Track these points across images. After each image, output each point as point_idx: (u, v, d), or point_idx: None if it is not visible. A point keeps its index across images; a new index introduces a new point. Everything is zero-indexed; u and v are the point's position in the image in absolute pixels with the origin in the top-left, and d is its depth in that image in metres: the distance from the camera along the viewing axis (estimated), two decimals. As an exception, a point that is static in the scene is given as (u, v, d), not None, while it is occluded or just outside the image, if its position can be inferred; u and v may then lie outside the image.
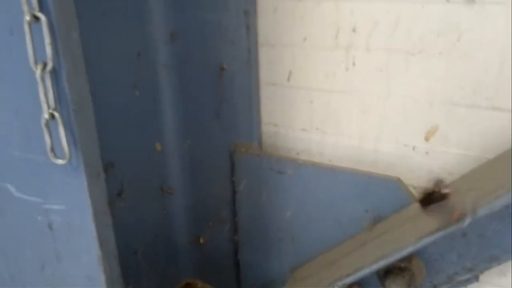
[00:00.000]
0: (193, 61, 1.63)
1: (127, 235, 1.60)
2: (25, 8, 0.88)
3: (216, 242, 1.88)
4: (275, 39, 1.61)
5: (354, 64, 1.52)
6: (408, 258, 1.33)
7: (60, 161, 1.00)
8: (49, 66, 0.93)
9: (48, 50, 0.92)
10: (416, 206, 1.43)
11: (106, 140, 1.45)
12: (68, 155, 0.99)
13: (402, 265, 1.33)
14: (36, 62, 0.93)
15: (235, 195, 1.74)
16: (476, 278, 1.34)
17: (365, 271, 1.29)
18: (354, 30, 1.48)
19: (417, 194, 1.51)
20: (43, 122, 0.97)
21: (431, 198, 1.37)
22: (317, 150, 1.69)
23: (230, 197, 1.77)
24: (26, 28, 0.90)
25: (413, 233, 1.28)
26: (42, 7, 0.89)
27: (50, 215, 1.13)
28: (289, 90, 1.66)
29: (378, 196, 1.48)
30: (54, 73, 0.96)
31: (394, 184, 1.46)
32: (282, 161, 1.63)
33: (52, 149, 1.00)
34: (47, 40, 0.91)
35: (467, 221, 1.17)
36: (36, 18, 0.90)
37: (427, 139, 1.48)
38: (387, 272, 1.34)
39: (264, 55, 1.65)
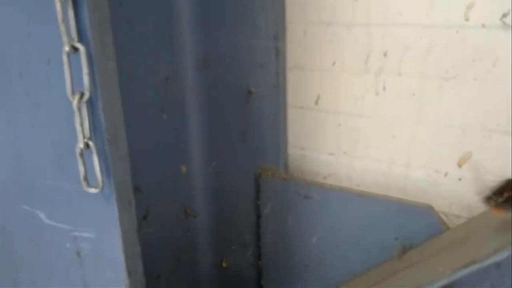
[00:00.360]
0: (221, 85, 1.62)
1: (151, 260, 1.58)
2: (64, 38, 0.89)
3: (239, 267, 1.85)
4: (303, 62, 1.60)
5: (384, 88, 1.50)
6: (442, 291, 1.28)
7: (93, 190, 0.99)
8: (86, 96, 0.92)
9: (86, 80, 0.91)
10: (448, 235, 1.38)
11: (134, 164, 1.45)
12: (101, 184, 0.99)
13: (436, 297, 1.28)
14: (73, 92, 0.93)
15: (259, 219, 1.72)
16: (513, 312, 1.29)
17: (399, 304, 1.25)
18: (385, 55, 1.46)
19: (448, 222, 1.47)
20: (78, 151, 0.97)
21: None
22: (345, 175, 1.66)
23: (254, 221, 1.75)
24: (64, 58, 0.90)
25: (448, 264, 1.24)
26: (81, 38, 0.89)
27: (79, 243, 1.12)
28: (316, 113, 1.64)
29: (408, 223, 1.44)
30: (90, 103, 0.95)
31: (425, 212, 1.42)
32: (309, 186, 1.60)
33: (86, 178, 0.99)
34: (85, 70, 0.90)
35: (505, 254, 1.12)
36: (75, 49, 0.90)
37: (460, 165, 1.44)
38: (421, 305, 1.29)
39: (292, 79, 1.64)
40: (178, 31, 1.47)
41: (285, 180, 1.64)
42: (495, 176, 1.40)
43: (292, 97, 1.65)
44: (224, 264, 1.87)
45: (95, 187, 0.99)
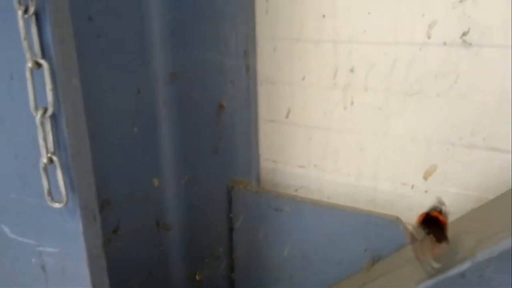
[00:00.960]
0: (193, 99, 1.64)
1: (121, 273, 1.57)
2: (27, 54, 0.89)
3: (212, 280, 1.84)
4: (274, 77, 1.63)
5: (352, 103, 1.53)
6: (408, 301, 1.31)
7: (57, 205, 0.99)
8: (50, 111, 0.93)
9: (49, 96, 0.92)
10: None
11: (104, 177, 1.45)
12: (65, 199, 0.99)
13: (402, 308, 1.30)
14: (36, 108, 0.93)
15: (232, 232, 1.73)
16: (477, 322, 1.32)
17: (365, 316, 1.27)
18: (352, 71, 1.50)
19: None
20: (41, 166, 0.97)
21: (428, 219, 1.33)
22: (316, 187, 1.68)
23: (227, 234, 1.75)
24: (27, 74, 0.91)
25: (413, 276, 1.26)
26: (45, 54, 0.90)
27: (44, 258, 1.12)
28: (287, 126, 1.67)
29: (377, 235, 1.47)
30: (54, 118, 0.96)
31: (393, 223, 1.45)
32: (280, 198, 1.62)
33: (50, 193, 0.99)
34: (48, 86, 0.91)
35: (467, 265, 1.15)
36: (38, 65, 0.90)
37: (426, 178, 1.48)
38: (387, 316, 1.32)
39: (263, 92, 1.67)
40: (149, 45, 1.49)
41: (256, 193, 1.65)
42: (458, 189, 1.45)
43: (263, 110, 1.68)
44: (197, 277, 1.87)
45: (59, 202, 0.99)
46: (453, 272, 1.18)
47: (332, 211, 1.54)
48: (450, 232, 1.36)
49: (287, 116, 1.66)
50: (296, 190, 1.72)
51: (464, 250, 1.20)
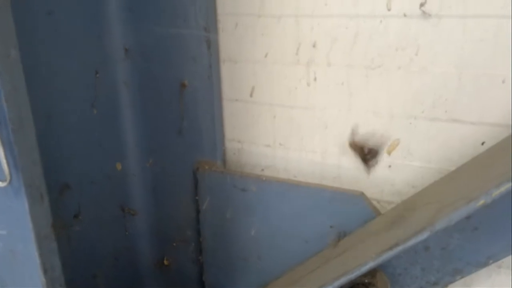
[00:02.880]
0: (153, 78, 1.60)
1: (85, 259, 1.54)
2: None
3: (180, 264, 1.82)
4: (236, 55, 1.60)
5: (315, 79, 1.51)
6: (372, 273, 1.31)
7: (0, 184, 0.95)
8: (-15, 85, 0.88)
9: (-16, 68, 0.87)
10: (379, 220, 1.41)
11: (62, 160, 1.41)
12: (9, 177, 0.94)
13: (366, 280, 1.31)
14: (-30, 80, 0.88)
15: (199, 214, 1.70)
16: (441, 293, 1.33)
17: (328, 289, 1.26)
18: (314, 46, 1.48)
19: (380, 208, 1.50)
20: (-20, 142, 0.92)
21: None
22: (282, 166, 1.66)
23: (194, 217, 1.73)
24: (-42, 45, 0.86)
25: (375, 249, 1.26)
26: (-24, 23, 0.85)
27: (-8, 241, 1.07)
28: (252, 105, 1.64)
29: (342, 211, 1.47)
30: (-8, 92, 0.91)
31: (357, 199, 1.45)
32: (246, 178, 1.60)
33: (-9, 171, 0.95)
34: (-18, 57, 0.86)
35: (426, 234, 1.15)
36: (-31, 34, 0.85)
37: (389, 152, 1.48)
38: (352, 289, 1.31)
39: (226, 71, 1.63)
40: (105, 21, 1.44)
41: (222, 174, 1.63)
42: (421, 162, 1.45)
43: (227, 89, 1.65)
44: (165, 262, 1.84)
45: (3, 180, 0.95)
46: (414, 242, 1.17)
47: (298, 189, 1.53)
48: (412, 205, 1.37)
49: (251, 95, 1.63)
50: (263, 169, 1.70)
51: (424, 220, 1.19)
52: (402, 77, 1.39)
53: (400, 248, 1.18)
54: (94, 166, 1.55)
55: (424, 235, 1.14)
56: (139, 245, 1.79)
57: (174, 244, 1.80)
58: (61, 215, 1.40)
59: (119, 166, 1.66)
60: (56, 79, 1.34)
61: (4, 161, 0.93)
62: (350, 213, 1.46)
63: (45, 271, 1.03)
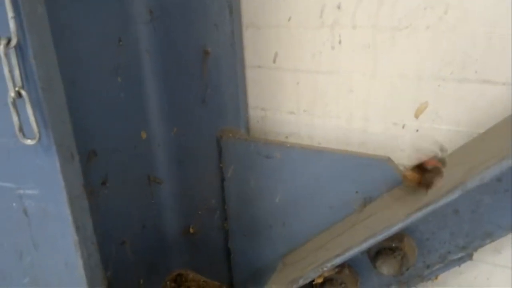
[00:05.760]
0: (176, 46, 1.59)
1: (113, 226, 1.56)
2: (-15, -19, 0.85)
3: (206, 231, 1.84)
4: (259, 20, 1.57)
5: (340, 42, 1.48)
6: (400, 237, 1.29)
7: (29, 142, 0.96)
8: (14, 41, 0.89)
9: (12, 24, 0.88)
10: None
11: (88, 127, 1.43)
12: (38, 135, 0.96)
13: (393, 245, 1.29)
14: (-1, 37, 0.89)
15: (223, 182, 1.71)
16: (469, 257, 1.31)
17: (355, 251, 1.26)
18: (339, 7, 1.44)
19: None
20: (9, 100, 0.94)
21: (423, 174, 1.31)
22: (306, 133, 1.65)
23: (218, 185, 1.74)
24: (-13, 2, 0.87)
25: (403, 211, 1.24)
26: (3, -20, 0.86)
27: (24, 201, 1.10)
28: (275, 72, 1.62)
29: (368, 177, 1.45)
30: (20, 50, 0.92)
31: (384, 164, 1.42)
32: (270, 145, 1.59)
33: (21, 129, 0.96)
34: (10, 14, 0.87)
35: (457, 193, 1.13)
36: (-2, -8, 0.86)
37: (417, 116, 1.45)
38: (378, 253, 1.30)
39: (249, 37, 1.61)
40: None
41: (246, 141, 1.62)
42: (450, 125, 1.41)
43: (249, 56, 1.63)
44: (191, 230, 1.86)
45: (32, 138, 0.96)
46: (445, 201, 1.15)
47: (322, 155, 1.51)
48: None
49: (274, 61, 1.61)
50: (286, 137, 1.69)
51: (454, 181, 1.17)
52: (430, 38, 1.35)
53: (430, 208, 1.15)
54: (119, 134, 1.56)
55: (456, 194, 1.11)
56: (165, 214, 1.81)
57: (200, 212, 1.82)
58: (89, 181, 1.42)
59: (143, 135, 1.67)
60: (79, 44, 1.34)
61: (32, 119, 0.94)
62: (376, 179, 1.43)
63: (77, 230, 1.06)
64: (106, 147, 1.51)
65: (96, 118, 1.45)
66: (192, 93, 1.65)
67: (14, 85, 0.92)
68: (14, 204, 1.12)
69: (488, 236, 1.27)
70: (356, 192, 1.48)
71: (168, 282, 1.86)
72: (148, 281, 1.75)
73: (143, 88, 1.63)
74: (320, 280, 1.38)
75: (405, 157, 1.49)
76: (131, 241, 1.66)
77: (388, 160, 1.42)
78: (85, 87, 1.38)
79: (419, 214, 1.18)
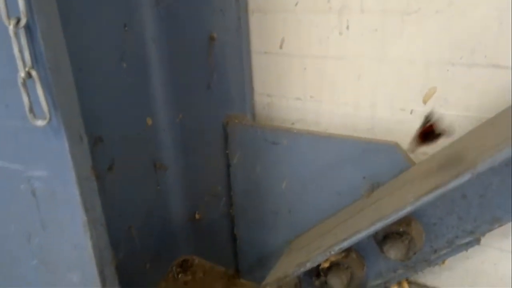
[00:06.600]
0: (182, 32, 1.58)
1: (120, 211, 1.57)
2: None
3: (212, 217, 1.84)
4: (266, 5, 1.56)
5: (348, 27, 1.47)
6: (407, 222, 1.29)
7: (39, 122, 0.96)
8: (23, 21, 0.88)
9: (21, 4, 0.87)
10: (414, 170, 1.39)
11: (94, 113, 1.42)
12: (48, 116, 0.95)
13: (401, 229, 1.29)
14: (9, 17, 0.88)
15: (229, 169, 1.71)
16: (477, 241, 1.30)
17: (362, 234, 1.25)
18: (346, -9, 1.43)
19: (415, 158, 1.47)
20: (20, 81, 0.93)
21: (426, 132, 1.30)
22: (313, 119, 1.64)
23: (224, 171, 1.73)
24: (-4, -18, 0.86)
25: (412, 194, 1.24)
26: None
27: (33, 183, 1.10)
28: (281, 58, 1.61)
29: (375, 162, 1.44)
30: (29, 31, 0.91)
31: (392, 149, 1.42)
32: (276, 131, 1.58)
33: (31, 110, 0.96)
34: (19, -6, 0.86)
35: (467, 176, 1.12)
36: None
37: (425, 101, 1.44)
38: (386, 237, 1.30)
39: (255, 22, 1.60)
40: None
41: (252, 127, 1.62)
42: (459, 111, 1.41)
43: (255, 42, 1.62)
44: (197, 216, 1.86)
45: (42, 118, 0.96)
46: (454, 184, 1.14)
47: (329, 140, 1.51)
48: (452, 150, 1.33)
49: (280, 47, 1.60)
50: (293, 123, 1.68)
51: (464, 165, 1.16)
52: (439, 22, 1.34)
53: (439, 191, 1.15)
54: (125, 120, 1.56)
55: (466, 177, 1.11)
56: (171, 200, 1.82)
57: (205, 199, 1.82)
58: (96, 167, 1.42)
59: (149, 121, 1.67)
60: (85, 30, 1.34)
61: (43, 99, 0.94)
62: (384, 164, 1.43)
63: (86, 211, 1.06)
64: (112, 133, 1.51)
65: (102, 104, 1.45)
66: (198, 79, 1.65)
67: (24, 65, 0.91)
68: (22, 186, 1.12)
69: (497, 221, 1.26)
70: (364, 177, 1.47)
71: (174, 267, 1.86)
72: (154, 266, 1.76)
73: (148, 74, 1.62)
74: (326, 265, 1.38)
75: (413, 143, 1.49)
76: (137, 227, 1.66)
77: (396, 145, 1.42)
78: (92, 73, 1.38)
79: (429, 196, 1.17)
